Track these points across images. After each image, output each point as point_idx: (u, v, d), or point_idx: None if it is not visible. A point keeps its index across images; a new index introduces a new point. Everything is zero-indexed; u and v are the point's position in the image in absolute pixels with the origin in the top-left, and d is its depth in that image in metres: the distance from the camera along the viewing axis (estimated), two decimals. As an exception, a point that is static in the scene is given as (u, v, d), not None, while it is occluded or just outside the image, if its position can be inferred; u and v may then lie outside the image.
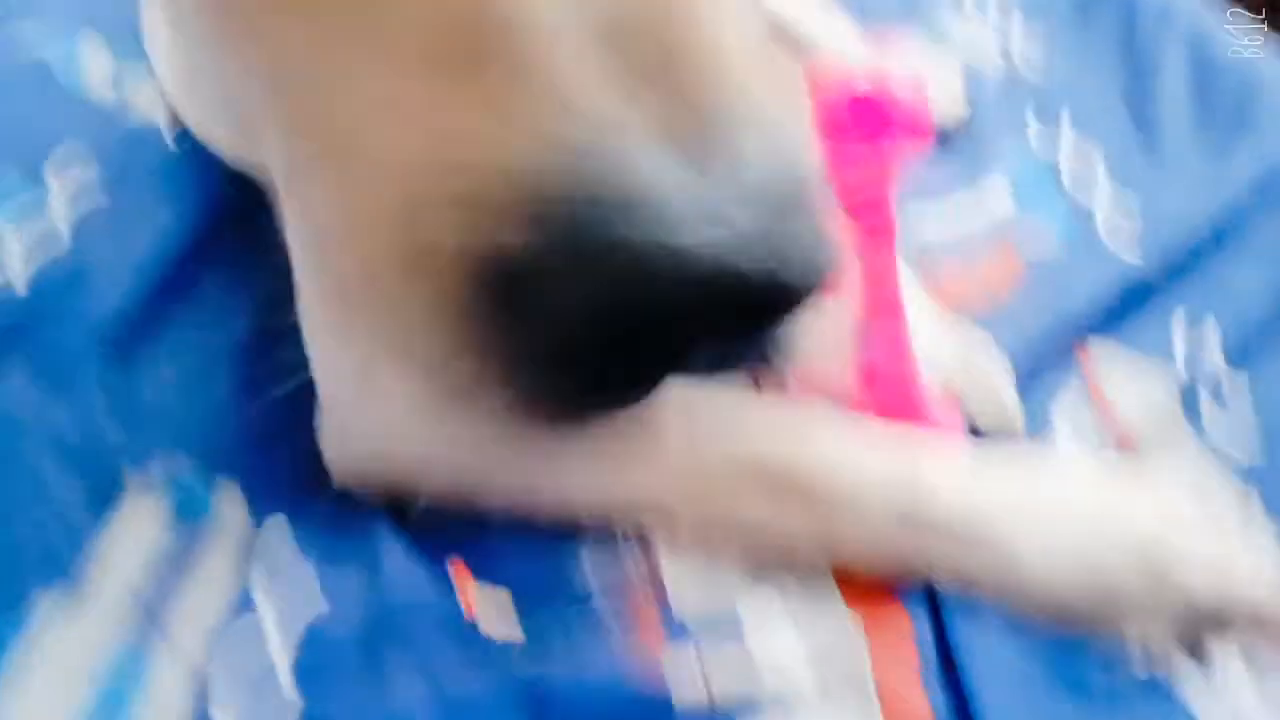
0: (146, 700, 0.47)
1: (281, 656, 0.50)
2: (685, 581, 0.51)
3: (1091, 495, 0.51)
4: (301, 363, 0.64)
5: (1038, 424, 0.62)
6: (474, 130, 0.19)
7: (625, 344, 0.19)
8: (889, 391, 0.58)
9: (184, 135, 0.85)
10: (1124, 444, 0.61)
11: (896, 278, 0.59)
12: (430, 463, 0.55)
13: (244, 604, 0.52)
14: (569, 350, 0.20)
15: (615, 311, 0.18)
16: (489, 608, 0.51)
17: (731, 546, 0.52)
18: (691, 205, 0.17)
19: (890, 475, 0.50)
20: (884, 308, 0.59)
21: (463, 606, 0.51)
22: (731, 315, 0.19)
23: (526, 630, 0.49)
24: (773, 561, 0.52)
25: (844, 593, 0.51)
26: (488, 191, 0.18)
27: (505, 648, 0.49)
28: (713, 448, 0.52)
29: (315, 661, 0.49)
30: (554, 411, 0.22)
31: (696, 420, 0.52)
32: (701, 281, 0.18)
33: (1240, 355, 0.64)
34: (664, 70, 0.18)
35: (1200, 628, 0.48)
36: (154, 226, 0.77)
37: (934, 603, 0.50)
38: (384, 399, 0.53)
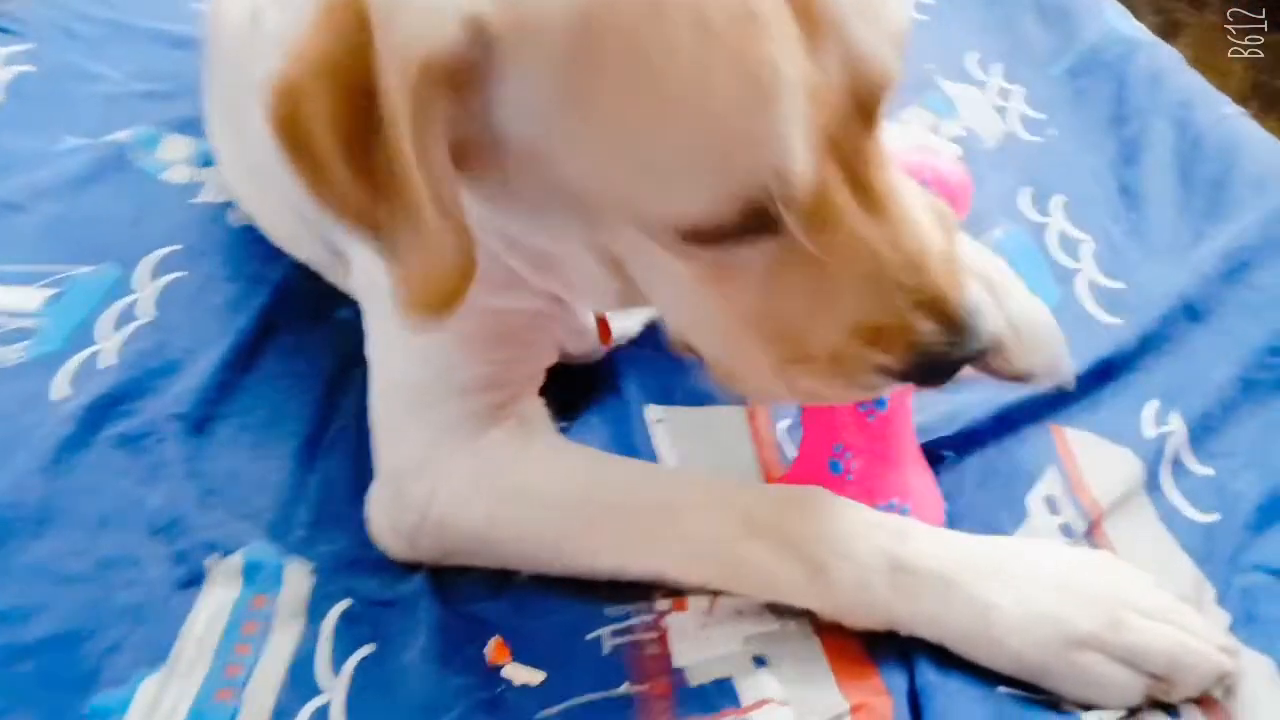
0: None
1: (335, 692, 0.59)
2: (693, 661, 0.59)
3: (1059, 564, 0.58)
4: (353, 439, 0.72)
5: (1015, 512, 0.68)
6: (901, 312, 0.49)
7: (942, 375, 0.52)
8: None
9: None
10: (1097, 531, 0.67)
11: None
12: (477, 532, 0.64)
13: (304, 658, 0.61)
14: (924, 374, 0.51)
15: (946, 369, 0.51)
16: (523, 684, 0.59)
17: (733, 596, 0.60)
18: (970, 338, 0.50)
19: (883, 530, 0.59)
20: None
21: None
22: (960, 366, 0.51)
23: (557, 709, 0.58)
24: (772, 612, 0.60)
25: (835, 673, 0.58)
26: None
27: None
28: (722, 513, 0.60)
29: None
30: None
31: (708, 492, 0.62)
32: (969, 358, 0.51)
33: (1203, 444, 0.70)
34: (954, 296, 0.49)
35: (1153, 685, 0.54)
36: (225, 300, 0.85)
37: (913, 685, 0.57)
38: (443, 477, 0.61)
